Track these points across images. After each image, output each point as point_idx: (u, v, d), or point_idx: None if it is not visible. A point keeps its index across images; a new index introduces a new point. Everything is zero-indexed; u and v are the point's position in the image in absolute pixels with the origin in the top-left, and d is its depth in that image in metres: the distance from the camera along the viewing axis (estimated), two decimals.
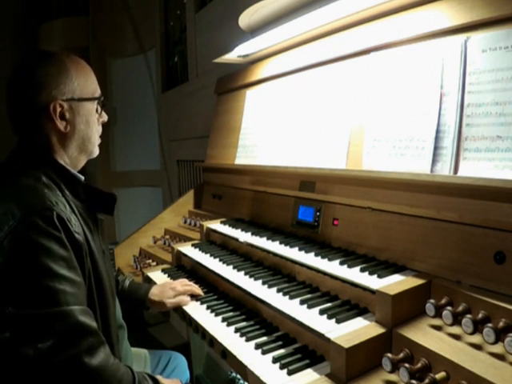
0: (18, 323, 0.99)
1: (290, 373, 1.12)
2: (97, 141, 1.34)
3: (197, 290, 1.68)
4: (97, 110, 1.31)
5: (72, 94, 1.21)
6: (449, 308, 1.05)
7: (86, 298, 1.13)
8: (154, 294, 1.66)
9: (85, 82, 1.26)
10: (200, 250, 2.00)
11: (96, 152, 1.35)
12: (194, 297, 1.68)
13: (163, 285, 1.71)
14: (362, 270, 1.32)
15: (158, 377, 1.26)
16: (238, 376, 2.23)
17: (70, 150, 1.26)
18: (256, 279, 1.55)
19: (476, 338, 1.00)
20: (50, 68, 1.19)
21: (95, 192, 1.30)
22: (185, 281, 1.75)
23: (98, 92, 1.32)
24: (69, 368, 1.00)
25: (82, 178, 1.30)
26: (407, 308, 1.13)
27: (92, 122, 1.30)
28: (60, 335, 0.99)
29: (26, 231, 1.02)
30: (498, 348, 0.95)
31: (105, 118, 1.36)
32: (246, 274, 1.61)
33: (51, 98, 1.17)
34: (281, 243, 1.68)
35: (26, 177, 1.14)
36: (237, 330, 1.37)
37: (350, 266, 1.36)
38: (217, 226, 2.12)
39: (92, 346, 1.03)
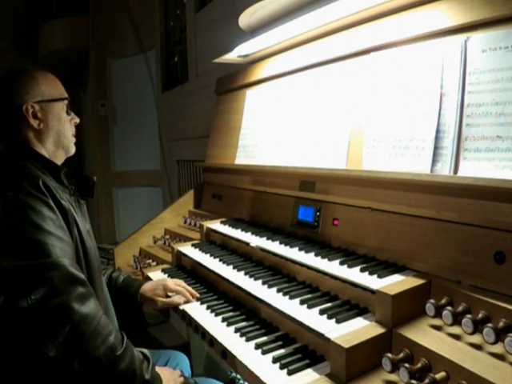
0: (12, 276, 1.07)
1: (289, 373, 1.12)
2: (71, 138, 1.48)
3: (186, 293, 1.66)
4: (67, 112, 1.46)
5: (41, 97, 1.39)
6: (449, 308, 1.05)
7: (74, 257, 1.21)
8: (146, 290, 1.70)
9: (51, 86, 1.43)
10: (200, 250, 2.00)
11: (72, 148, 1.49)
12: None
13: (157, 282, 1.74)
14: (362, 270, 1.32)
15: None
16: (238, 376, 2.23)
17: (47, 145, 1.40)
18: (256, 279, 1.55)
19: (476, 338, 1.00)
20: (22, 78, 1.39)
21: (75, 177, 1.42)
22: (178, 281, 1.74)
23: (64, 95, 1.47)
24: (58, 315, 1.07)
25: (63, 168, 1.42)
26: (407, 308, 1.13)
27: (63, 119, 1.44)
28: (51, 284, 1.07)
29: (16, 194, 1.16)
30: (497, 348, 0.95)
31: (76, 119, 1.51)
32: (246, 273, 1.61)
33: (23, 100, 1.35)
34: (281, 243, 1.68)
35: (12, 165, 1.28)
36: (237, 330, 1.37)
37: (350, 266, 1.36)
38: (217, 226, 2.13)
39: (82, 294, 1.12)
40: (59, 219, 1.21)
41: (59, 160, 1.45)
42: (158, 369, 1.32)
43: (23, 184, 1.17)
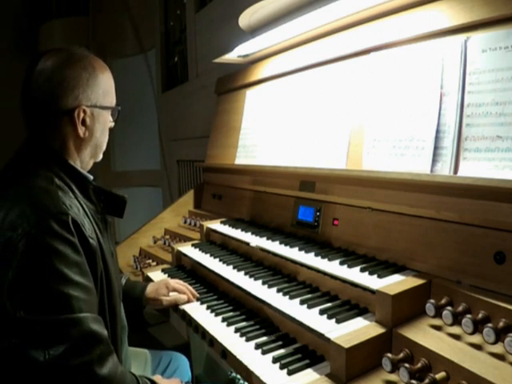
0: (28, 328, 0.97)
1: (289, 373, 1.12)
2: (104, 147, 1.36)
3: (188, 292, 1.66)
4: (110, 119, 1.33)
5: (96, 101, 1.21)
6: (449, 308, 1.05)
7: (97, 304, 1.12)
8: (150, 291, 1.67)
9: (108, 90, 1.26)
10: (200, 250, 2.00)
11: (101, 156, 1.37)
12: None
13: (158, 283, 1.72)
14: (362, 270, 1.32)
15: (157, 378, 1.26)
16: (238, 376, 2.23)
17: (83, 155, 1.26)
18: (256, 279, 1.55)
19: (476, 338, 1.00)
20: (81, 71, 1.17)
21: (105, 194, 1.29)
22: (179, 281, 1.74)
23: (115, 101, 1.32)
24: (79, 376, 0.98)
25: (91, 177, 1.29)
26: (407, 308, 1.14)
27: (106, 130, 1.31)
28: (72, 342, 0.98)
29: (41, 235, 1.00)
30: (497, 348, 0.95)
31: (112, 124, 1.36)
32: (246, 273, 1.61)
33: (77, 102, 1.16)
34: (281, 243, 1.68)
35: (37, 177, 1.11)
36: (237, 330, 1.37)
37: (350, 266, 1.36)
38: (217, 226, 2.13)
39: (102, 354, 1.02)
40: (84, 263, 1.07)
41: (89, 167, 1.31)
42: (165, 382, 1.31)
43: (50, 222, 1.01)
